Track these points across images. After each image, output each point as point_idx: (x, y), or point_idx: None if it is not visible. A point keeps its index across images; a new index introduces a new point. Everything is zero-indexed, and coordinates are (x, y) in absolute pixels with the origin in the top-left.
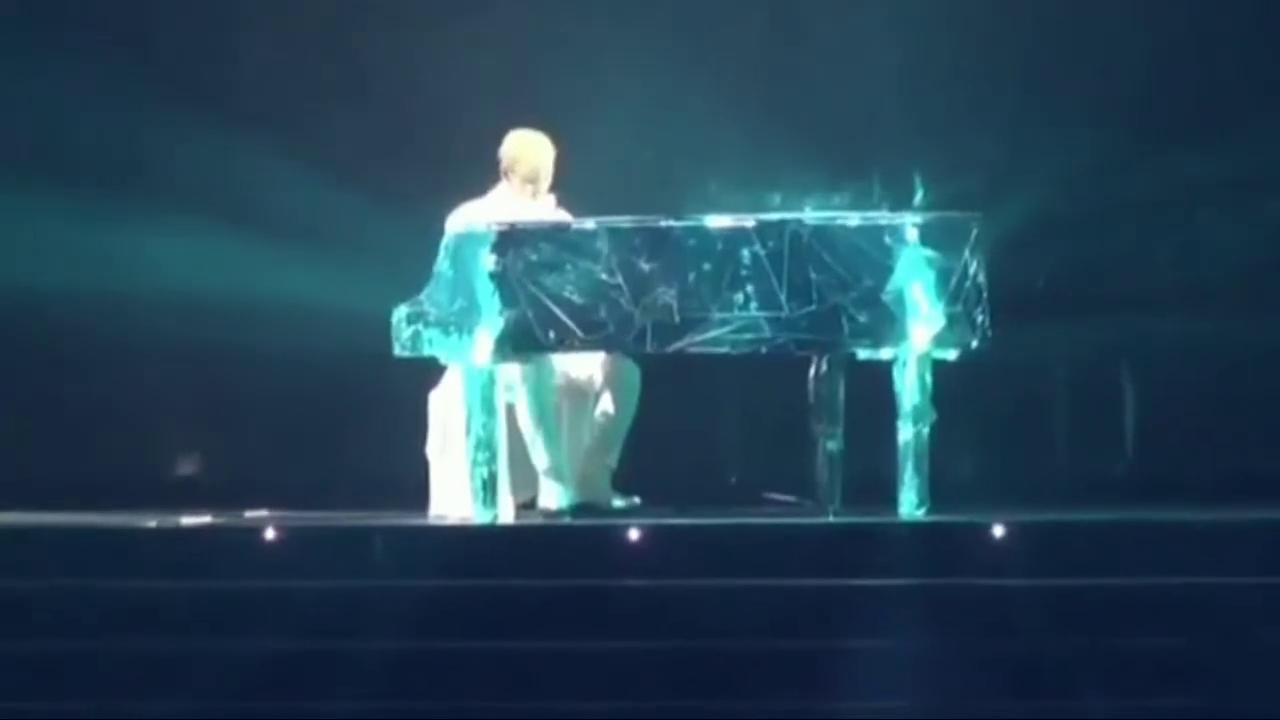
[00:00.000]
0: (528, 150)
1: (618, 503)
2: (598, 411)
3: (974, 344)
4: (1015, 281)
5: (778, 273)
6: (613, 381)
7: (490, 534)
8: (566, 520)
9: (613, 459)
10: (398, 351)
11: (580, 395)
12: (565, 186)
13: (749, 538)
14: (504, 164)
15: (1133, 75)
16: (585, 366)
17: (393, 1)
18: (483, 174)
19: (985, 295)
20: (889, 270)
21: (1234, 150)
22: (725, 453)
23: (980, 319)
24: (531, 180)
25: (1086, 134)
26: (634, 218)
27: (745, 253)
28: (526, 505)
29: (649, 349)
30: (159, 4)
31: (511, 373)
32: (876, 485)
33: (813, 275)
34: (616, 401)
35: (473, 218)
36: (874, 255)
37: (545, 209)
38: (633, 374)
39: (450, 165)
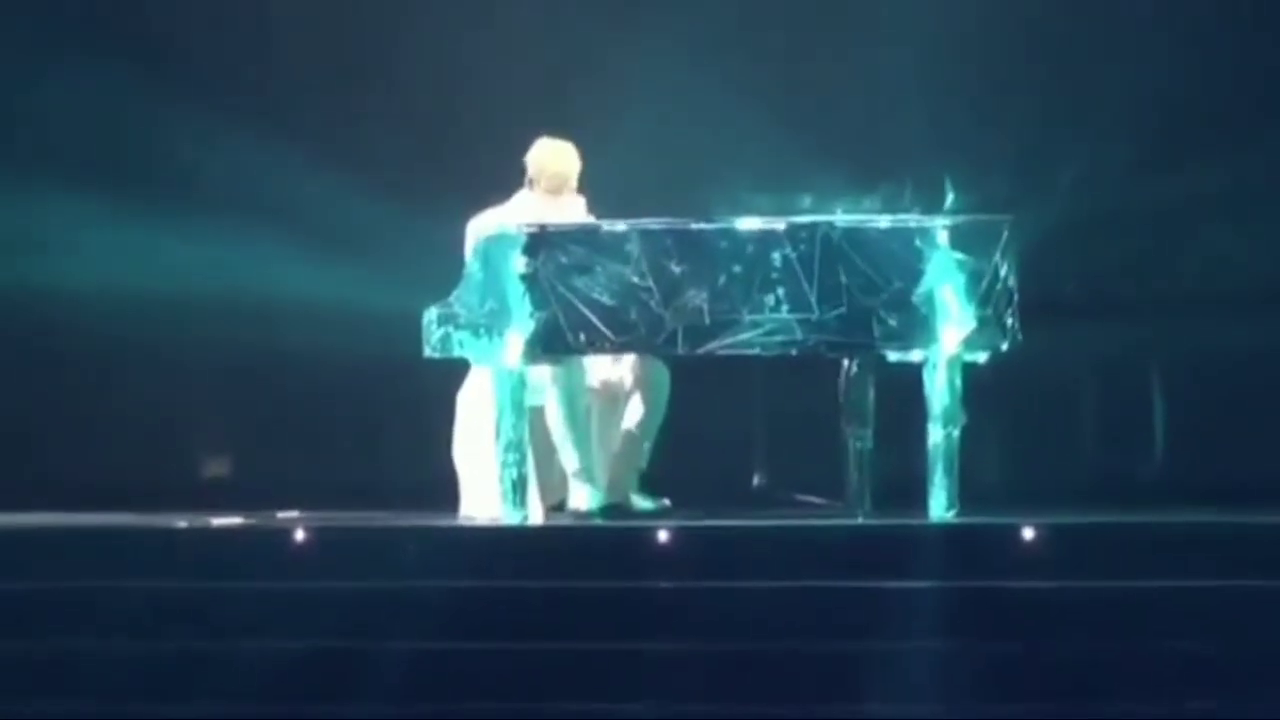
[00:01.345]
0: (554, 159)
1: (647, 504)
2: (627, 413)
3: (1004, 347)
4: (1045, 284)
5: (808, 275)
6: (642, 383)
7: (520, 535)
8: (596, 522)
9: (642, 461)
10: (428, 353)
11: (610, 397)
12: (592, 191)
13: (778, 540)
14: (530, 171)
15: (1161, 79)
16: (615, 368)
17: (420, 7)
18: (511, 177)
19: (1015, 298)
20: (919, 273)
21: (1263, 153)
22: (755, 455)
23: (1010, 322)
24: (556, 191)
25: (1115, 137)
26: (665, 220)
27: (776, 255)
28: (556, 507)
29: (679, 351)
30: (194, 7)
31: (541, 374)
32: (906, 487)
33: (843, 278)
34: (646, 403)
35: (496, 222)
36: (904, 258)
37: (575, 211)
38: (662, 376)
39: (480, 168)
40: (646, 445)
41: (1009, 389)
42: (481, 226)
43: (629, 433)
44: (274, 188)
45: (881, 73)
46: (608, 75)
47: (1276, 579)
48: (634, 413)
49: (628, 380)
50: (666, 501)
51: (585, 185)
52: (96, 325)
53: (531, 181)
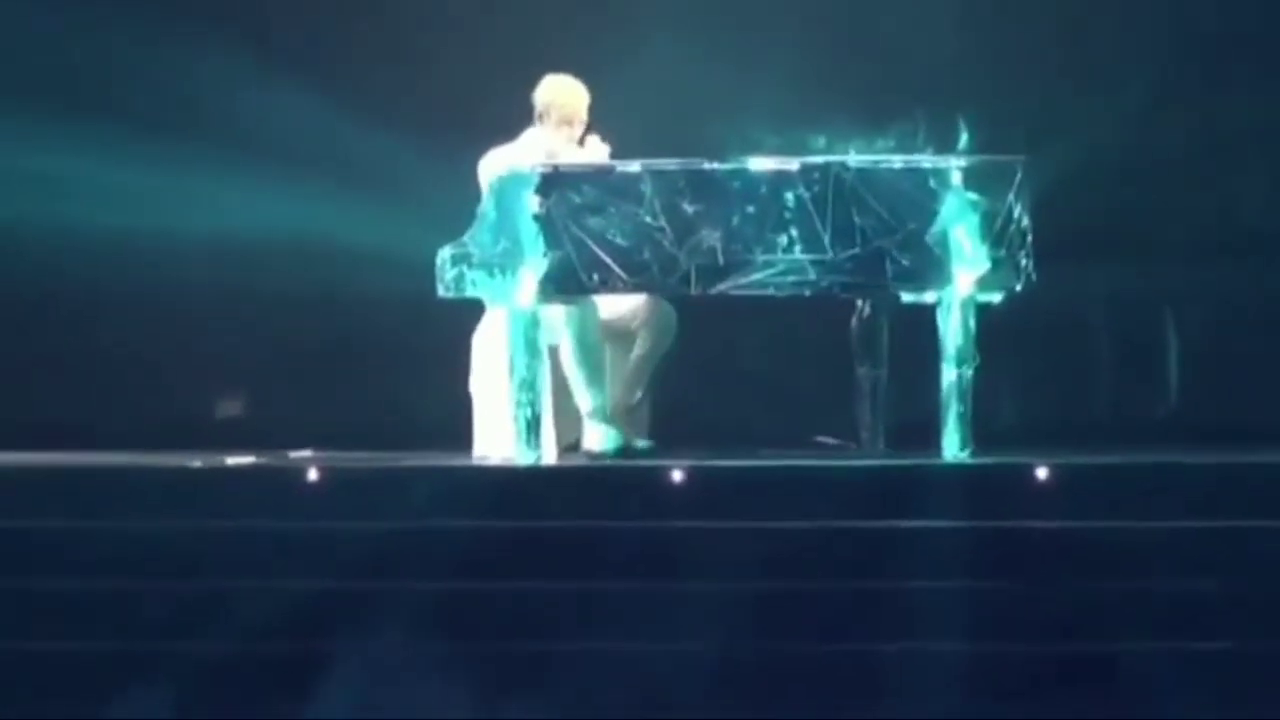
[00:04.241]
0: (563, 95)
1: (641, 444)
2: (633, 351)
3: (1017, 287)
4: (1059, 224)
5: (821, 215)
6: (649, 322)
7: (533, 475)
8: (610, 462)
9: (634, 397)
10: (441, 293)
11: (624, 337)
12: (605, 131)
13: (793, 480)
14: (539, 108)
15: (1178, 19)
16: (623, 307)
17: None
18: (523, 116)
19: (1029, 239)
20: (933, 213)
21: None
22: (769, 395)
23: (1024, 262)
24: (567, 124)
25: (1129, 77)
26: (678, 160)
27: (789, 195)
28: (570, 447)
29: (693, 291)
30: None
31: (555, 314)
32: (920, 428)
33: (856, 218)
34: (652, 342)
35: (506, 160)
36: (918, 198)
37: (589, 147)
38: (669, 316)
39: (492, 108)
40: (642, 382)
41: (1023, 329)
42: (493, 164)
43: (631, 370)
44: (287, 126)
45: (896, 12)
46: (621, 14)
47: None
48: (639, 350)
49: (636, 319)
50: (651, 443)
51: (597, 125)
52: (106, 265)
53: (541, 117)
